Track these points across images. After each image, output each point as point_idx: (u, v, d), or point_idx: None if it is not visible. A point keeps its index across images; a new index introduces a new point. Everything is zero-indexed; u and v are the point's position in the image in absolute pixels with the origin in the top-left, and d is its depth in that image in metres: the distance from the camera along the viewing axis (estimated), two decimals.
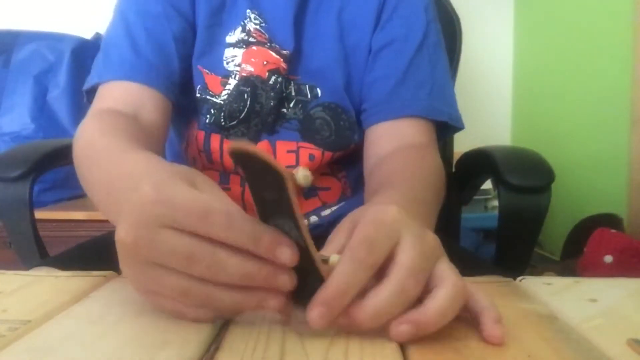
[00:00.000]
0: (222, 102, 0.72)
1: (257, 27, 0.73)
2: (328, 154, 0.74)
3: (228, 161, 0.73)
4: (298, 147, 0.74)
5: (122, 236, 0.33)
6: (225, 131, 0.73)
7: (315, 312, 0.32)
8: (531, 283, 0.47)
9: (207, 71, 0.73)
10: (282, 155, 0.73)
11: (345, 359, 0.32)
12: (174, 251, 0.32)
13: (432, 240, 0.37)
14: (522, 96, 2.11)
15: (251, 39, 0.73)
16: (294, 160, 0.74)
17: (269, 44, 0.73)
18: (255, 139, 0.73)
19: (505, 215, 0.77)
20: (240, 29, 0.73)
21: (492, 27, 2.13)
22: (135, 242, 0.33)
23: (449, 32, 1.04)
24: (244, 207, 0.75)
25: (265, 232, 0.32)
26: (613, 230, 1.27)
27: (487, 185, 1.71)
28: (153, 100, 0.67)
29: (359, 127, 0.76)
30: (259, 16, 0.73)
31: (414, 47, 0.73)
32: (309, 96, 0.74)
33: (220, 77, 0.73)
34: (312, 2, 0.74)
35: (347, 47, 0.74)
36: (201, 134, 0.74)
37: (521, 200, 0.77)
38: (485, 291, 0.36)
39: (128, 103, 0.65)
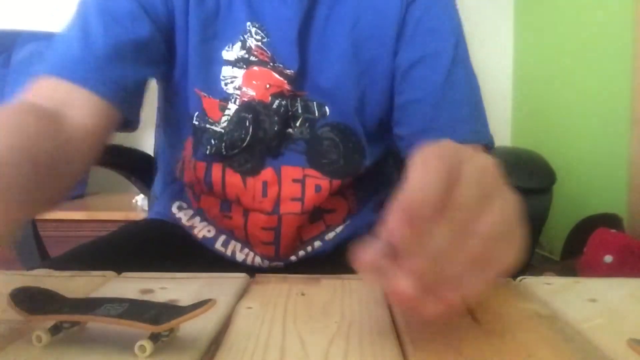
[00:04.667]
0: (222, 131, 0.67)
1: (259, 43, 0.66)
2: (336, 183, 0.70)
3: (230, 191, 0.69)
4: (304, 176, 0.69)
5: None
6: (228, 160, 0.69)
7: (395, 217, 0.29)
8: (531, 283, 0.47)
9: (204, 94, 0.67)
10: (287, 185, 0.68)
11: (345, 359, 0.32)
12: None
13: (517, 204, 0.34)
14: (522, 96, 2.11)
15: (252, 58, 0.66)
16: (300, 191, 0.68)
17: (271, 64, 0.66)
18: (260, 165, 0.68)
19: None
20: (239, 44, 0.66)
21: (492, 27, 2.13)
22: None
23: None
24: (246, 237, 0.71)
25: None
26: (613, 230, 1.27)
27: None
28: (87, 102, 0.57)
29: (368, 150, 0.71)
30: (260, 30, 0.67)
31: (448, 63, 0.66)
32: (316, 114, 0.68)
33: (218, 100, 0.67)
34: (319, 13, 0.67)
35: (362, 62, 0.68)
36: (201, 165, 0.69)
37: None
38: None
39: (53, 99, 0.56)
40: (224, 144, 0.67)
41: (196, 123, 0.68)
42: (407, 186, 0.29)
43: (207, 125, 0.68)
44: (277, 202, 0.69)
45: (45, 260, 0.91)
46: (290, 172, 0.68)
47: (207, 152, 0.68)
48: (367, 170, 0.72)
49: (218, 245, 0.74)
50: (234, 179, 0.69)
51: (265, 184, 0.68)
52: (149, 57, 0.64)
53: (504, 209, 0.31)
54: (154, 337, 0.31)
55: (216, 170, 0.69)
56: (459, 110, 0.66)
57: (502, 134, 2.14)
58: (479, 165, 0.31)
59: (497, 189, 0.32)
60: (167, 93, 0.74)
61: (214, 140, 0.67)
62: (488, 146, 0.68)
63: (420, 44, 0.67)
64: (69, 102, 0.56)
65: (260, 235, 0.71)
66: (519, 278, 0.49)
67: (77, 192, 1.86)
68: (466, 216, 0.30)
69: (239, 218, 0.71)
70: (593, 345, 0.34)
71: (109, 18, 0.61)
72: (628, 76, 1.40)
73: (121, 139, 0.72)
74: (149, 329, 0.31)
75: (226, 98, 0.67)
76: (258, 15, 0.66)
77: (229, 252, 0.74)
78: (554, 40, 1.85)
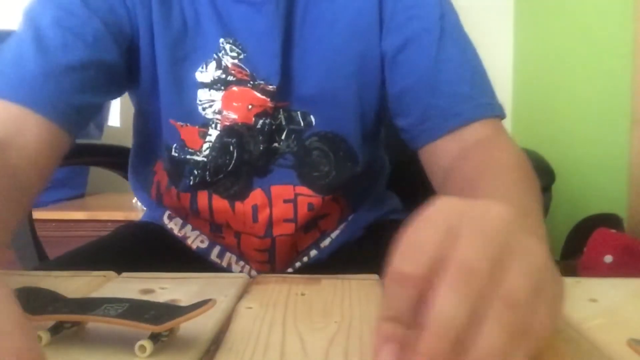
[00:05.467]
0: (204, 159, 0.63)
1: (235, 60, 0.61)
2: (329, 199, 0.68)
3: (219, 217, 0.67)
4: (295, 195, 0.66)
5: None
6: (212, 186, 0.65)
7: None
8: None
9: (180, 123, 0.63)
10: (278, 207, 0.65)
11: (345, 359, 0.32)
12: None
13: (545, 258, 0.28)
14: (522, 96, 2.11)
15: (230, 78, 0.61)
16: (292, 212, 0.66)
17: (251, 83, 0.61)
18: (247, 188, 0.65)
19: None
20: (214, 64, 0.61)
21: (492, 28, 2.13)
22: None
23: None
24: (241, 254, 0.70)
25: None
26: (613, 230, 1.27)
27: None
28: (41, 130, 0.52)
29: (361, 155, 0.68)
30: (235, 46, 0.61)
31: (435, 40, 0.61)
32: (302, 124, 0.64)
33: (197, 127, 0.63)
34: (296, 20, 0.62)
35: (350, 62, 0.63)
36: (185, 196, 0.67)
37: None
38: None
39: (1, 126, 0.51)
40: (207, 172, 0.64)
41: (175, 155, 0.64)
42: (385, 301, 0.26)
43: (188, 156, 0.64)
44: (270, 225, 0.66)
45: (43, 261, 0.91)
46: (281, 192, 0.65)
47: (191, 183, 0.65)
48: (358, 175, 0.70)
49: (213, 257, 0.73)
50: (221, 204, 0.66)
51: (255, 208, 0.65)
52: (112, 81, 0.59)
53: (526, 267, 0.26)
54: (154, 337, 0.31)
55: (202, 197, 0.66)
56: (457, 88, 0.60)
57: None
58: (483, 221, 0.27)
59: (515, 244, 0.27)
60: (135, 114, 0.70)
61: (197, 170, 0.64)
62: (499, 117, 0.62)
63: (402, 25, 0.62)
64: (20, 129, 0.51)
65: (254, 255, 0.70)
66: None
67: (77, 192, 1.86)
68: (482, 284, 0.25)
69: (231, 239, 0.69)
70: (593, 345, 0.34)
71: (69, 33, 0.55)
72: (628, 76, 1.40)
73: (121, 139, 0.72)
74: (149, 329, 0.31)
75: (205, 124, 0.62)
76: (231, 29, 0.61)
77: (224, 264, 0.73)
78: (554, 40, 1.85)
